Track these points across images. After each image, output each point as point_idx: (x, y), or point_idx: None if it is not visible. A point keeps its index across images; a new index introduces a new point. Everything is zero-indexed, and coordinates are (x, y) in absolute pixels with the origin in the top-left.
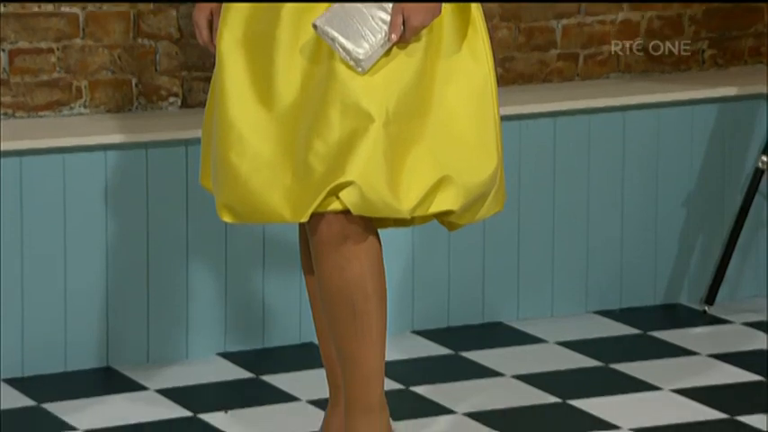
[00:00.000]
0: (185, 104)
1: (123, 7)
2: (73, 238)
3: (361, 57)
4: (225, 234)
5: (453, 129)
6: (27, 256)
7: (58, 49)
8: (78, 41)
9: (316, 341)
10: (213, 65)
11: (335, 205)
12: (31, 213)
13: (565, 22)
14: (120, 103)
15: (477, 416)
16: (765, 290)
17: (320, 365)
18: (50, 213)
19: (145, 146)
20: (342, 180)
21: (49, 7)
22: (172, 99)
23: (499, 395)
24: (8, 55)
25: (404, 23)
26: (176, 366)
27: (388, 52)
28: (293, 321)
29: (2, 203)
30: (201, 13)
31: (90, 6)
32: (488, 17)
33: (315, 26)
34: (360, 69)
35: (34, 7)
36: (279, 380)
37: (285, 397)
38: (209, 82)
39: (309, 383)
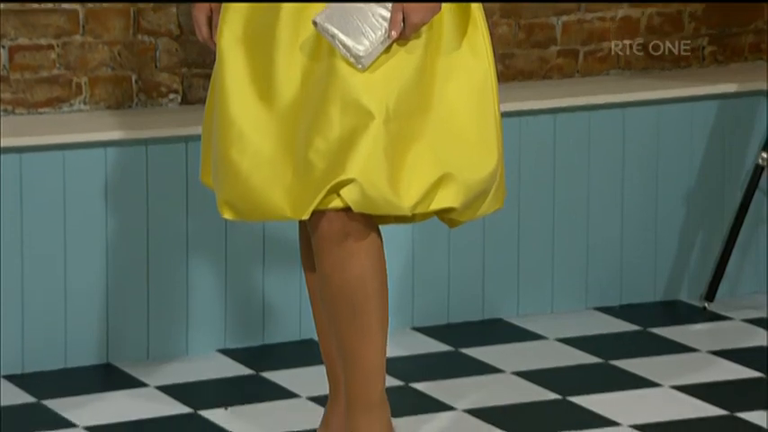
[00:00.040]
0: (185, 101)
1: (123, 4)
2: (73, 235)
3: (361, 53)
4: (225, 231)
5: (454, 126)
6: (27, 252)
7: (57, 45)
8: (78, 38)
9: (316, 338)
10: (213, 62)
11: (336, 203)
12: (30, 210)
13: (565, 18)
14: (120, 99)
15: (477, 412)
16: (765, 286)
17: (320, 362)
18: (50, 210)
19: (145, 142)
20: (342, 177)
21: (49, 4)
22: (172, 96)
23: (499, 392)
24: (8, 51)
25: (404, 20)
26: (176, 363)
27: (388, 49)
28: (293, 318)
29: (2, 200)
30: (201, 10)
31: (90, 3)
32: (488, 14)
33: (315, 23)
34: (360, 66)
35: (34, 4)
36: (279, 376)
37: (285, 393)
38: (210, 79)
39: (309, 380)
